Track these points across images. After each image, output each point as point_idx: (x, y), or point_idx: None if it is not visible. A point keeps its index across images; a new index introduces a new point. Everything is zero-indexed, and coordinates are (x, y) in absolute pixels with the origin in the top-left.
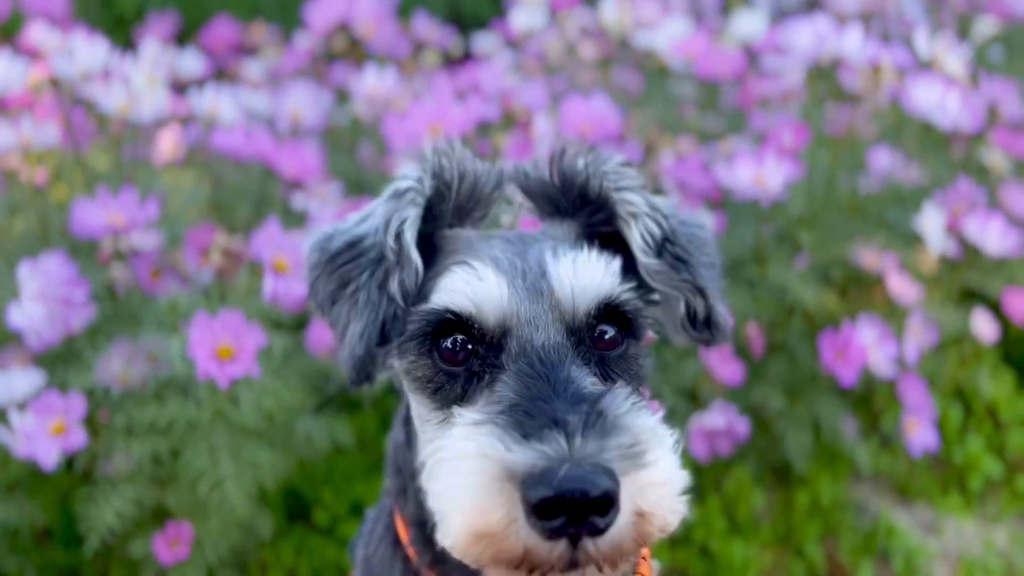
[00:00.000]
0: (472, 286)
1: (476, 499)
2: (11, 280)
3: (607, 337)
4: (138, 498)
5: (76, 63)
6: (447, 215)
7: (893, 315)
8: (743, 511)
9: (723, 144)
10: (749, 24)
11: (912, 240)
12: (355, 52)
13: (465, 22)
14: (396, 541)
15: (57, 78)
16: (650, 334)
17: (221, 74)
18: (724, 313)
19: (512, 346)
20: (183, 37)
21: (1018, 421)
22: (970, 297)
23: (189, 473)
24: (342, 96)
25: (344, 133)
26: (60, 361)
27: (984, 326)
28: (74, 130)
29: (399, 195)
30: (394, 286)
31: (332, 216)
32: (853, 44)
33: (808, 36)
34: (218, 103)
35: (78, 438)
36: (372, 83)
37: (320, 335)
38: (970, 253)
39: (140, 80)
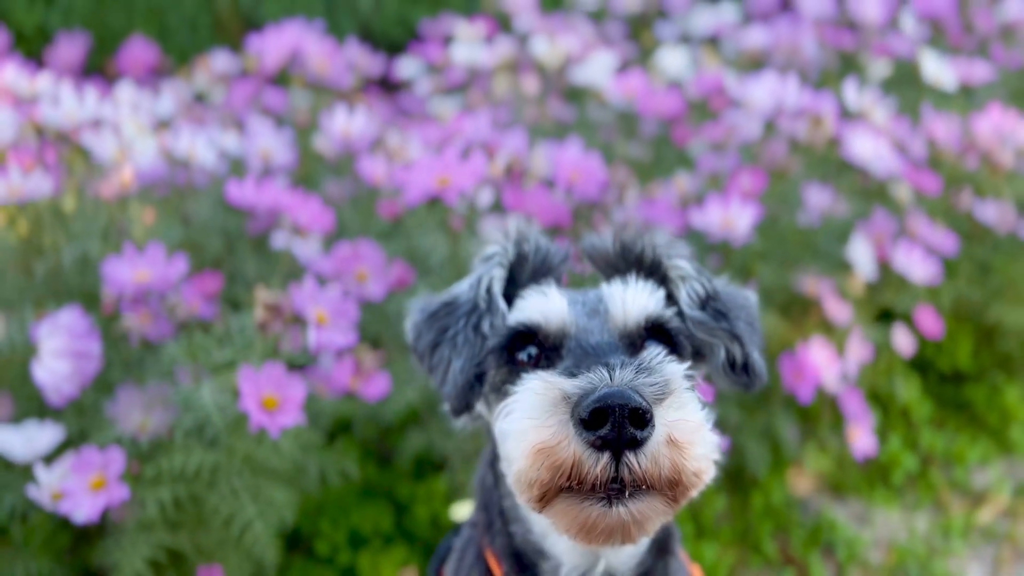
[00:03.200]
0: (539, 303)
1: (536, 418)
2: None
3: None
4: (160, 543)
5: (63, 112)
6: (525, 279)
7: (829, 333)
8: (707, 515)
9: (678, 183)
10: (673, 60)
11: (841, 266)
12: (289, 76)
13: (375, 42)
14: (487, 571)
15: (42, 125)
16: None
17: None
18: (760, 361)
19: (570, 344)
20: (95, 58)
21: (926, 421)
22: (884, 316)
23: (216, 516)
24: (280, 122)
25: (302, 170)
26: (64, 413)
27: (903, 340)
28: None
29: (488, 259)
30: (486, 326)
31: (319, 257)
32: (792, 95)
33: (765, 91)
34: (195, 144)
35: (120, 492)
36: (342, 123)
37: (321, 375)
38: (886, 276)
39: (131, 129)
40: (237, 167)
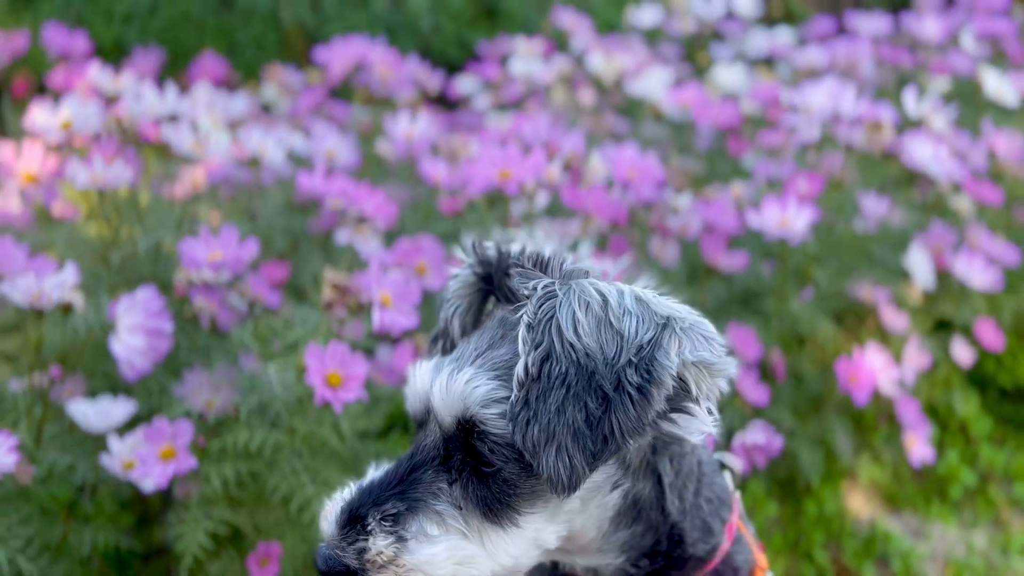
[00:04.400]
0: (410, 383)
1: None
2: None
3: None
4: (221, 519)
5: (145, 106)
6: (501, 294)
7: (886, 342)
8: (758, 522)
9: (734, 189)
10: (729, 76)
11: (898, 275)
12: (352, 91)
13: (434, 62)
14: None
15: (124, 119)
16: None
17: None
18: (558, 471)
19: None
20: (167, 72)
21: (985, 437)
22: (941, 326)
23: (276, 494)
24: (343, 129)
25: (365, 172)
26: (130, 390)
27: (962, 352)
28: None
29: (453, 279)
30: (437, 349)
31: (381, 252)
32: (849, 102)
33: (824, 96)
34: (264, 143)
35: (188, 462)
36: (405, 127)
37: (380, 364)
38: (944, 286)
39: (206, 123)
40: (304, 167)
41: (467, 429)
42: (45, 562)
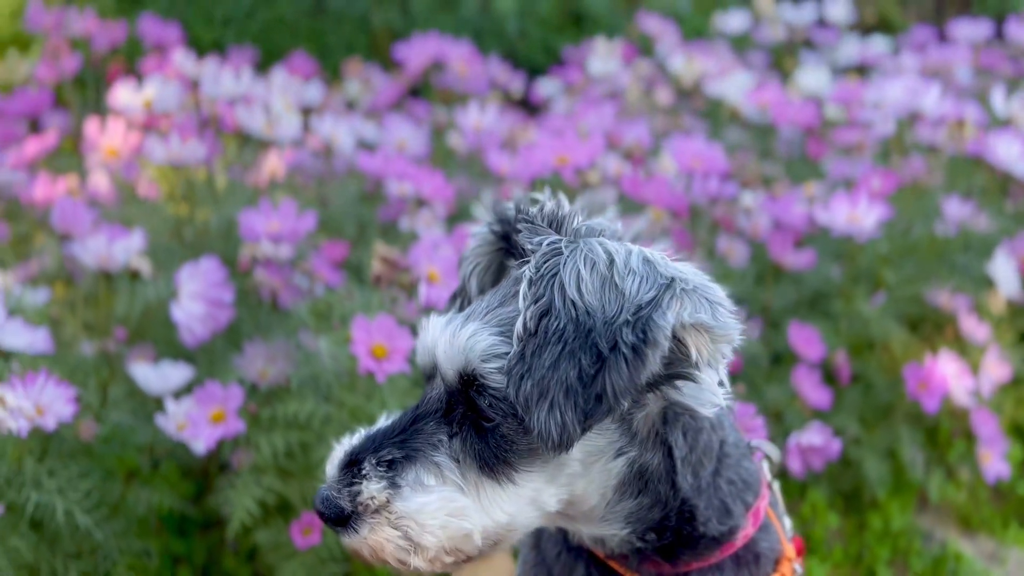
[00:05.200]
0: (420, 336)
1: None
2: (143, 285)
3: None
4: (271, 488)
5: (222, 88)
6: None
7: (964, 352)
8: (818, 533)
9: (807, 188)
10: (814, 79)
11: (982, 283)
12: (431, 89)
13: (519, 65)
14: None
15: (202, 100)
16: None
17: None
18: (548, 426)
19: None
20: (260, 69)
21: None
22: None
23: (323, 465)
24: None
25: (436, 163)
26: (193, 358)
27: None
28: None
29: (473, 238)
30: (455, 306)
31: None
32: (932, 101)
33: (900, 91)
34: (336, 130)
35: (236, 425)
36: (475, 118)
37: None
38: None
39: (279, 105)
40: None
41: (468, 382)
42: (101, 517)
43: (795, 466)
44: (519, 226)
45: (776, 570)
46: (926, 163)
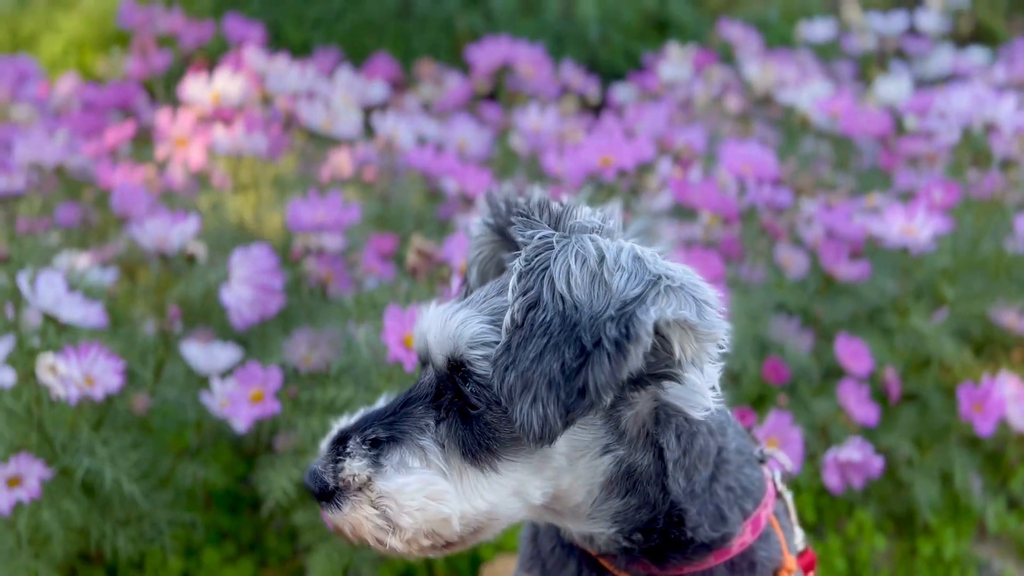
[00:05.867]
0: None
1: None
2: (206, 270)
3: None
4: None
5: (286, 83)
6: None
7: None
8: (863, 554)
9: (868, 199)
10: (894, 88)
11: None
12: (505, 92)
13: (601, 72)
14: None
15: (268, 95)
16: None
17: (382, 106)
18: (530, 419)
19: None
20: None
21: None
22: None
23: None
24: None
25: (498, 164)
26: (243, 343)
27: None
28: (272, 141)
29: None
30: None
31: None
32: (1007, 111)
33: (967, 100)
34: (397, 127)
35: (273, 406)
36: (534, 119)
37: None
38: None
39: (339, 101)
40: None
41: (455, 368)
42: (149, 487)
43: (833, 482)
44: (512, 219)
45: None
46: (1003, 177)
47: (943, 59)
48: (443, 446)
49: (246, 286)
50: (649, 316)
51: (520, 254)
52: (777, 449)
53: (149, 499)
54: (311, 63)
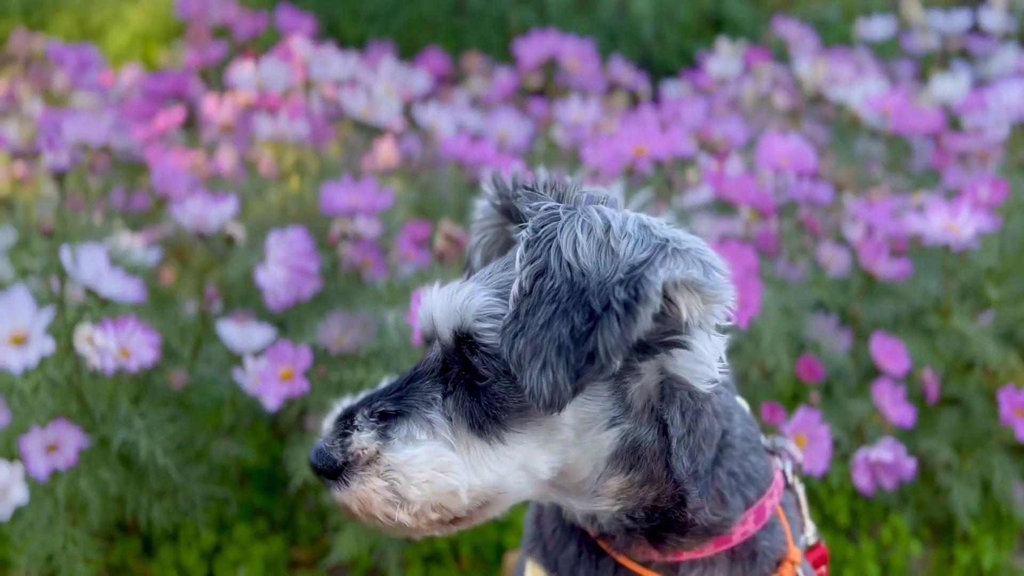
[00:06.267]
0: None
1: None
2: (248, 253)
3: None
4: None
5: (329, 71)
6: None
7: None
8: (897, 560)
9: (914, 196)
10: (950, 87)
11: None
12: (553, 87)
13: (654, 69)
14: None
15: (311, 82)
16: None
17: (431, 97)
18: (539, 385)
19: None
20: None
21: None
22: None
23: None
24: (538, 126)
25: (540, 157)
26: (281, 325)
27: None
28: (316, 128)
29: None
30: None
31: None
32: None
33: (1017, 94)
34: (439, 118)
35: (302, 385)
36: (576, 111)
37: None
38: None
39: (380, 90)
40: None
41: (462, 340)
42: (182, 460)
43: (863, 482)
44: (518, 192)
45: (776, 571)
46: None
47: (1007, 59)
48: (450, 419)
49: (281, 267)
50: (658, 276)
51: (527, 225)
52: (789, 441)
53: (183, 473)
54: (363, 56)
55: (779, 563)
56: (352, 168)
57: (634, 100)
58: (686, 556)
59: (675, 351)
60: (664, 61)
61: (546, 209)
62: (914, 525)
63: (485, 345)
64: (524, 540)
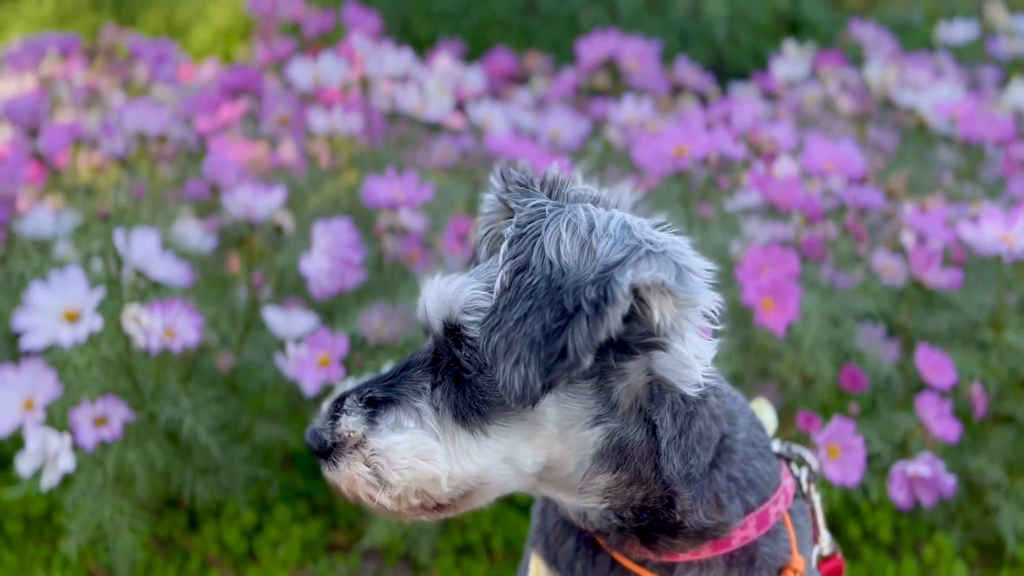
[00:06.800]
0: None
1: None
2: (303, 243)
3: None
4: None
5: (384, 68)
6: None
7: None
8: None
9: (973, 205)
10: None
11: None
12: (616, 87)
13: (727, 72)
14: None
15: (366, 78)
16: None
17: (495, 96)
18: (511, 379)
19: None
20: (466, 62)
21: None
22: None
23: None
24: (598, 126)
25: (593, 157)
26: (328, 313)
27: None
28: (372, 124)
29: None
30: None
31: None
32: None
33: None
34: (491, 116)
35: (338, 372)
36: (629, 111)
37: None
38: None
39: (433, 87)
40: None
41: (450, 332)
42: (227, 441)
43: (899, 497)
44: (510, 187)
45: None
46: None
47: None
48: (437, 409)
49: (325, 257)
50: (625, 278)
51: (514, 221)
52: (803, 449)
53: (227, 453)
54: (430, 54)
55: (780, 571)
56: (407, 164)
57: (704, 102)
58: (682, 558)
59: (657, 353)
60: (737, 63)
61: (533, 206)
62: (960, 545)
63: (470, 338)
64: (530, 532)
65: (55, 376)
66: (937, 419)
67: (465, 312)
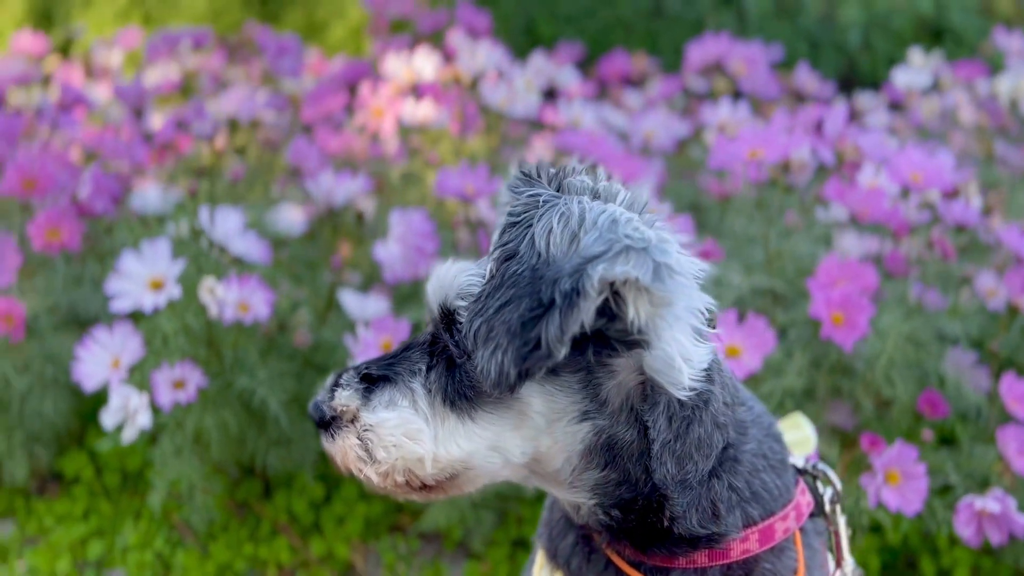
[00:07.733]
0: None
1: None
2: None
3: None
4: None
5: (475, 64)
6: None
7: None
8: None
9: None
10: None
11: None
12: (726, 90)
13: (860, 81)
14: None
15: (461, 75)
16: None
17: (604, 95)
18: (488, 365)
19: None
20: (585, 64)
21: None
22: None
23: None
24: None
25: (691, 163)
26: (408, 300)
27: None
28: (465, 118)
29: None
30: None
31: None
32: None
33: None
34: (582, 113)
35: None
36: (724, 114)
37: None
38: None
39: (521, 83)
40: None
41: (445, 316)
42: (298, 414)
43: (966, 533)
44: (514, 177)
45: None
46: None
47: None
48: (429, 391)
49: (399, 244)
50: (596, 271)
51: (507, 210)
52: (827, 467)
53: (299, 427)
54: (551, 56)
55: None
56: (497, 158)
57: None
58: (674, 564)
59: (642, 352)
60: (872, 72)
61: (529, 195)
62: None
63: (460, 323)
64: (539, 524)
65: (141, 339)
66: (1019, 454)
67: (460, 297)
